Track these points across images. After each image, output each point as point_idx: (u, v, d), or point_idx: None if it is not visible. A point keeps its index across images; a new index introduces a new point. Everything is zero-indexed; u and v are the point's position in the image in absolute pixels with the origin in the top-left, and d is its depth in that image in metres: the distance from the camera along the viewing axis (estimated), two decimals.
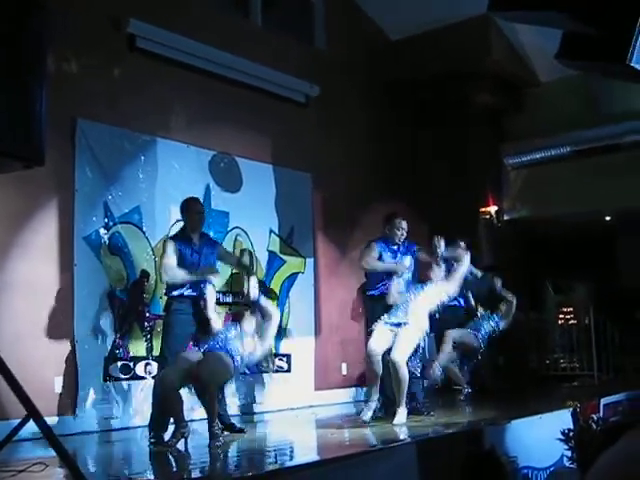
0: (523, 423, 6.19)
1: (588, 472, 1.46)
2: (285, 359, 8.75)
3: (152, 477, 4.81)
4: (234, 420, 6.78)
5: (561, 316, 12.60)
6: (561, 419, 6.30)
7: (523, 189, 11.17)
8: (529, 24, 5.07)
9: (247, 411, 8.10)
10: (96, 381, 6.94)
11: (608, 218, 11.97)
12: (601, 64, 2.73)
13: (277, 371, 8.63)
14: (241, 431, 6.43)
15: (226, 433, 6.20)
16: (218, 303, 8.09)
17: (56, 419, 6.47)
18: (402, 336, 6.58)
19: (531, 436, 6.10)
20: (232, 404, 7.91)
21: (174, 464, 5.40)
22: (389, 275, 7.04)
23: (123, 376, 7.10)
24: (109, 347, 7.08)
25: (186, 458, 5.48)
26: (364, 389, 9.53)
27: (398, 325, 6.63)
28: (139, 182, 7.53)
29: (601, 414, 7.09)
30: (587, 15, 2.51)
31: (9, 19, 3.32)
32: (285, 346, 8.77)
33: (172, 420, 5.69)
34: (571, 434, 5.88)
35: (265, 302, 6.25)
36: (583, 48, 2.69)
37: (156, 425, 5.80)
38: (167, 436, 5.70)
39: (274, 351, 8.59)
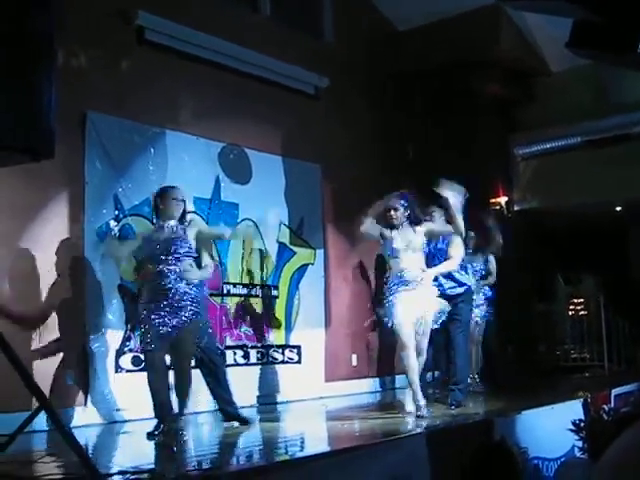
0: (534, 414, 6.19)
1: (600, 459, 1.46)
2: (295, 351, 8.77)
3: (161, 469, 4.82)
4: (244, 411, 6.80)
5: (571, 307, 12.59)
6: (572, 410, 6.30)
7: (533, 180, 11.14)
8: (539, 13, 5.05)
9: (257, 402, 8.13)
10: (107, 373, 6.96)
11: (618, 208, 11.93)
12: (611, 53, 2.72)
13: (287, 362, 8.65)
14: (245, 422, 6.41)
15: (236, 424, 6.24)
16: (229, 294, 8.16)
17: (67, 411, 6.50)
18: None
19: (542, 427, 6.10)
20: (243, 395, 7.94)
21: (181, 456, 5.41)
22: None
23: (134, 368, 7.11)
24: (120, 339, 7.10)
25: (193, 449, 5.51)
26: (375, 380, 9.58)
27: None
28: (149, 174, 7.53)
29: (612, 404, 7.09)
30: (597, 4, 2.50)
31: (16, 14, 3.32)
32: (295, 338, 8.78)
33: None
34: (582, 424, 5.87)
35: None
36: (593, 37, 2.67)
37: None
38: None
39: (283, 342, 8.64)
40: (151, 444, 5.65)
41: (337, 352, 9.29)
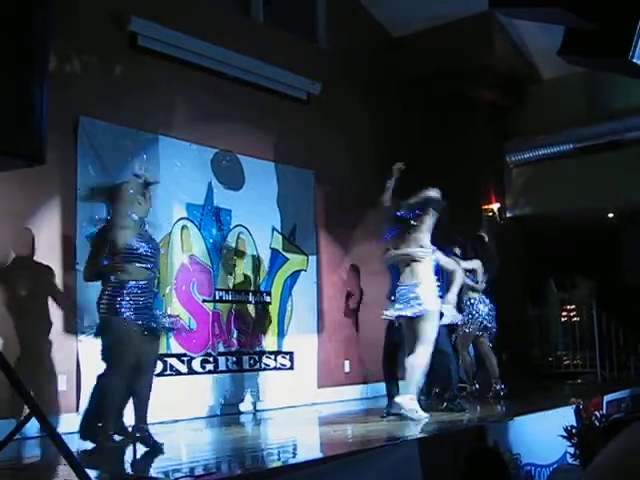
0: (526, 420, 6.19)
1: (593, 461, 1.46)
2: (288, 357, 8.75)
3: (158, 475, 4.81)
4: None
5: (564, 313, 12.61)
6: (564, 416, 6.31)
7: (526, 186, 11.17)
8: (531, 20, 5.07)
9: (249, 409, 8.11)
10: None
11: (611, 215, 11.96)
12: (603, 60, 2.73)
13: (280, 369, 8.63)
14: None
15: None
16: (221, 301, 8.14)
17: (60, 417, 6.47)
18: None
19: (534, 433, 6.10)
20: (235, 402, 7.93)
21: (178, 461, 5.39)
22: None
23: None
24: None
25: (184, 455, 5.49)
26: (367, 386, 9.56)
27: None
28: None
29: (604, 411, 7.10)
30: (589, 11, 2.51)
31: (9, 18, 3.32)
32: (288, 344, 8.76)
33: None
34: (574, 431, 5.88)
35: None
36: (585, 44, 2.68)
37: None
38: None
39: (276, 348, 8.63)
40: (143, 450, 5.63)
41: (330, 358, 9.28)
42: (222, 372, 8.00)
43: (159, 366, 7.04)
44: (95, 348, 6.86)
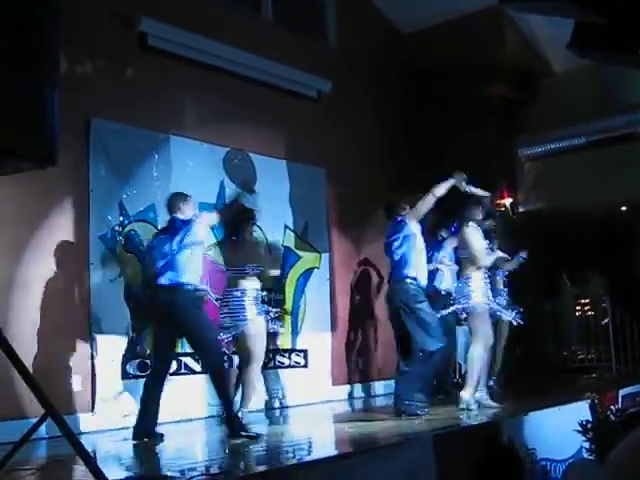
0: (541, 415, 6.18)
1: (610, 455, 1.46)
2: (302, 354, 8.76)
3: (174, 474, 4.82)
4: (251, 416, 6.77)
5: (578, 308, 12.56)
6: (579, 410, 6.28)
7: (538, 180, 11.13)
8: (540, 14, 5.05)
9: (264, 407, 8.12)
10: (114, 379, 6.96)
11: (624, 208, 11.90)
12: (613, 53, 2.72)
13: (294, 366, 8.64)
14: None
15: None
16: None
17: (74, 417, 6.50)
18: None
19: (549, 428, 6.08)
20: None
21: (195, 459, 5.40)
22: None
23: (140, 374, 7.11)
24: (126, 345, 7.10)
25: (203, 454, 5.51)
26: (380, 383, 9.55)
27: None
28: (153, 180, 7.54)
29: (620, 405, 7.07)
30: (597, 5, 2.50)
31: (19, 20, 3.32)
32: (301, 341, 8.77)
33: None
34: (589, 425, 5.85)
35: None
36: (595, 38, 2.68)
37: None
38: None
39: (290, 346, 8.64)
40: (159, 450, 5.65)
41: (344, 356, 9.28)
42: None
43: (173, 365, 7.08)
44: (109, 349, 6.96)
